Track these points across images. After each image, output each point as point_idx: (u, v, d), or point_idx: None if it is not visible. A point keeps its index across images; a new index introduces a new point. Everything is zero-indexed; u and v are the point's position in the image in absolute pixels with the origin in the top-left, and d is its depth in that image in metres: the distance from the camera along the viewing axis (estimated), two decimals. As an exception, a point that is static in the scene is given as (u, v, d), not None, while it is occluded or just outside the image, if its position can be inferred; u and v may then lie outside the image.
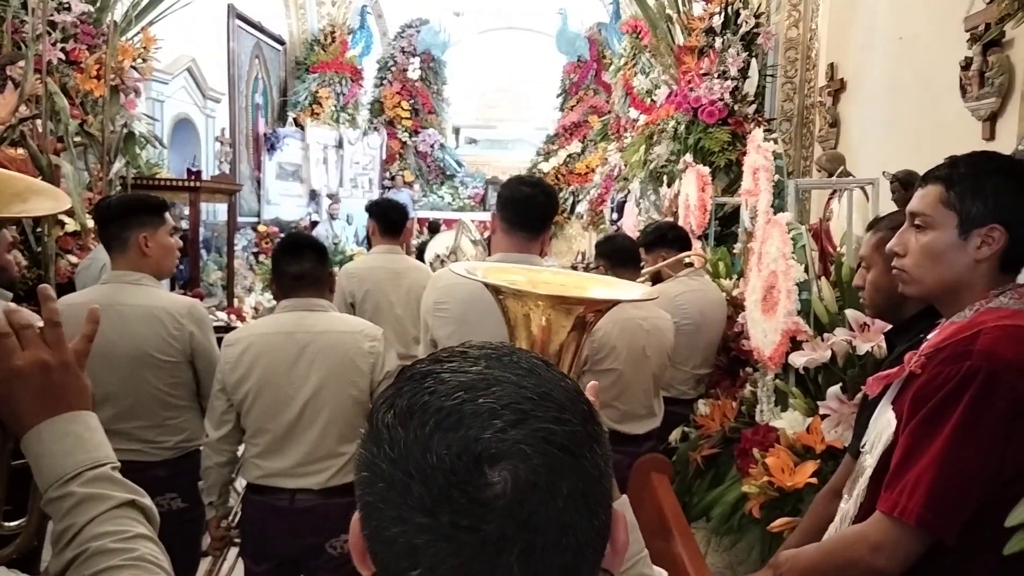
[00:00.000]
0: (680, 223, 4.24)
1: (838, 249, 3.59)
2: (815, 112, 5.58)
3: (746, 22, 5.37)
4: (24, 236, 3.82)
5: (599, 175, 9.25)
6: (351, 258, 8.00)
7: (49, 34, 4.24)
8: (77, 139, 4.35)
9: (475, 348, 0.58)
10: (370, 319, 2.78)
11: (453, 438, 0.51)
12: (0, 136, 3.81)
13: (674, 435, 2.99)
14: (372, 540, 0.54)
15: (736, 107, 5.32)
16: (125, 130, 4.73)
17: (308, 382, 2.15)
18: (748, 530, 2.32)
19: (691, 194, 4.49)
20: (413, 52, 12.58)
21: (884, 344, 1.89)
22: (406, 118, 12.40)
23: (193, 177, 5.51)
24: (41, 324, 0.88)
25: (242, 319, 5.34)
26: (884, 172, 3.44)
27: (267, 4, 9.81)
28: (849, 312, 2.32)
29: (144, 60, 5.01)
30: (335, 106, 10.81)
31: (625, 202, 6.77)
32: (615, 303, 1.00)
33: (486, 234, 6.36)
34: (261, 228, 8.94)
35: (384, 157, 12.08)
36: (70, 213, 3.96)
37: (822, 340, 2.41)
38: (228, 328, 4.03)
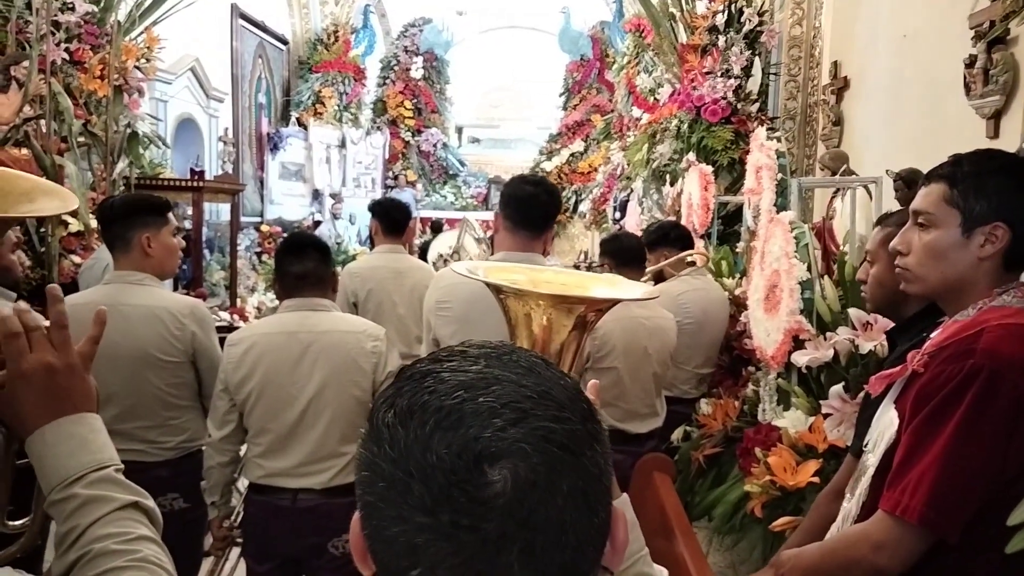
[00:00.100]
0: (683, 222, 4.23)
1: (841, 248, 3.58)
2: (818, 110, 5.57)
3: (749, 20, 5.36)
4: (28, 236, 3.83)
5: (602, 174, 9.24)
6: (354, 258, 8.01)
7: (53, 34, 4.24)
8: (81, 139, 4.36)
9: (475, 347, 0.58)
10: (373, 319, 2.78)
11: (453, 437, 0.51)
12: (4, 136, 3.82)
13: (676, 434, 2.99)
14: (372, 539, 0.54)
15: (739, 105, 5.31)
16: (129, 130, 4.73)
17: (311, 382, 2.16)
18: (750, 529, 2.31)
19: (694, 193, 4.48)
20: (416, 51, 12.59)
21: (886, 343, 1.89)
22: (409, 117, 12.41)
23: (196, 177, 5.53)
24: (47, 325, 0.88)
25: (245, 319, 5.35)
26: (888, 170, 3.43)
27: (270, 4, 9.82)
28: (852, 311, 2.32)
29: (148, 60, 5.02)
30: (338, 105, 10.83)
31: (628, 201, 6.76)
32: (616, 302, 1.00)
33: (490, 233, 6.36)
34: (264, 228, 8.95)
35: (387, 156, 12.09)
36: (74, 213, 3.97)
37: (824, 339, 2.41)
38: (231, 328, 4.04)
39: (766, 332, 2.63)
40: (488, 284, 0.95)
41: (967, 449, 1.18)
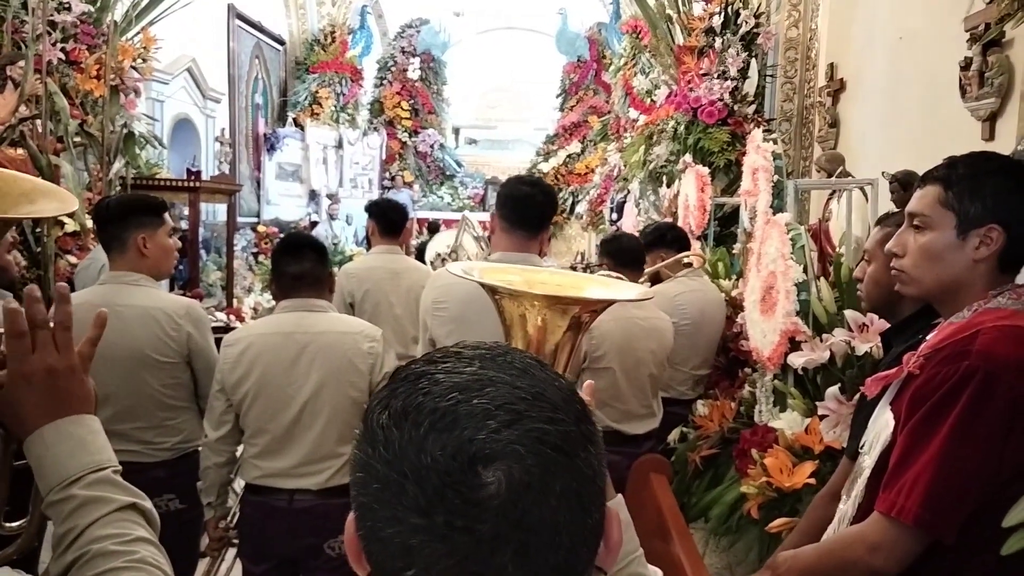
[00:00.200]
0: (679, 223, 4.24)
1: (837, 249, 3.59)
2: (815, 112, 5.58)
3: (746, 22, 5.37)
4: (23, 236, 3.82)
5: (599, 175, 9.25)
6: (351, 258, 8.00)
7: (49, 34, 4.24)
8: (77, 139, 4.35)
9: (469, 348, 0.58)
10: (369, 319, 2.78)
11: (447, 438, 0.51)
12: (0, 136, 3.81)
13: (673, 435, 2.99)
14: (367, 540, 0.54)
15: (736, 107, 5.32)
16: (125, 130, 4.73)
17: (307, 382, 2.15)
18: (746, 530, 2.32)
19: (690, 194, 4.49)
20: (413, 52, 12.59)
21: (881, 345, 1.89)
22: (406, 118, 12.40)
23: (193, 177, 5.52)
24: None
25: (241, 319, 5.34)
26: (884, 172, 3.44)
27: (267, 4, 9.81)
28: (848, 312, 2.32)
29: (144, 60, 5.02)
30: (335, 106, 10.81)
31: (625, 202, 6.77)
32: (610, 303, 1.00)
33: (488, 232, 6.36)
34: (261, 228, 8.94)
35: (384, 157, 12.08)
36: (70, 214, 3.97)
37: (821, 341, 2.41)
38: (227, 328, 4.03)
39: (762, 333, 2.64)
40: (483, 285, 0.96)
41: (963, 451, 1.18)
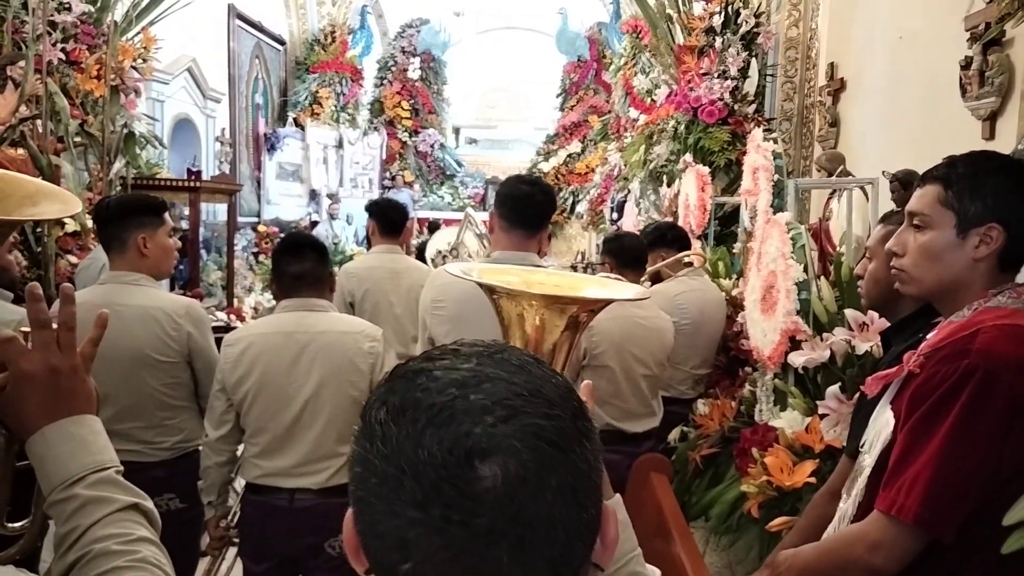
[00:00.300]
0: (680, 223, 4.24)
1: (837, 249, 3.59)
2: (815, 112, 5.58)
3: (746, 21, 5.37)
4: (24, 236, 3.82)
5: (599, 175, 9.25)
6: (351, 258, 8.00)
7: (49, 34, 4.24)
8: (77, 139, 4.35)
9: (467, 346, 0.59)
10: (369, 319, 2.78)
11: (444, 433, 0.52)
12: (0, 136, 3.81)
13: (673, 434, 2.99)
14: (365, 535, 0.55)
15: (736, 107, 5.32)
16: (125, 130, 4.73)
17: (308, 382, 2.16)
18: (747, 529, 2.32)
19: (691, 194, 4.49)
20: (413, 52, 12.58)
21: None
22: (406, 118, 12.40)
23: (193, 177, 5.52)
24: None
25: (242, 319, 5.34)
26: (884, 172, 3.44)
27: (267, 4, 9.81)
28: (848, 312, 2.32)
29: (144, 60, 5.02)
30: (335, 106, 10.81)
31: (625, 202, 6.76)
32: (608, 302, 1.01)
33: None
34: (261, 228, 8.94)
35: (384, 157, 12.08)
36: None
37: (821, 340, 2.41)
38: (228, 328, 4.03)
39: (763, 333, 2.64)
40: (481, 285, 0.96)
41: (962, 449, 1.18)
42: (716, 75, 5.35)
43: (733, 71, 5.34)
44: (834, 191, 4.35)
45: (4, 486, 0.93)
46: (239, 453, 2.28)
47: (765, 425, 2.51)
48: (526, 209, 2.12)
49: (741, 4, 5.43)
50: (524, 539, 0.51)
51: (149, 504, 0.89)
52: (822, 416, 2.26)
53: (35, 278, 3.76)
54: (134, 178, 4.81)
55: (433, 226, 9.77)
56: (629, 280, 2.69)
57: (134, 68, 4.88)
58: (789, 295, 2.45)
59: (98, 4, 4.67)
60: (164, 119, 6.76)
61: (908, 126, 4.12)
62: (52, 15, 4.32)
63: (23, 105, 3.92)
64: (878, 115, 4.57)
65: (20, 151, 3.85)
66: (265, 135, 9.86)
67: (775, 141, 3.86)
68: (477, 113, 13.63)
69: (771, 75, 5.69)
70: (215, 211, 6.69)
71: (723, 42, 5.39)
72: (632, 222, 5.96)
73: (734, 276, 3.67)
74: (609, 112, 9.91)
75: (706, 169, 4.56)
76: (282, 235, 4.65)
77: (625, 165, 7.09)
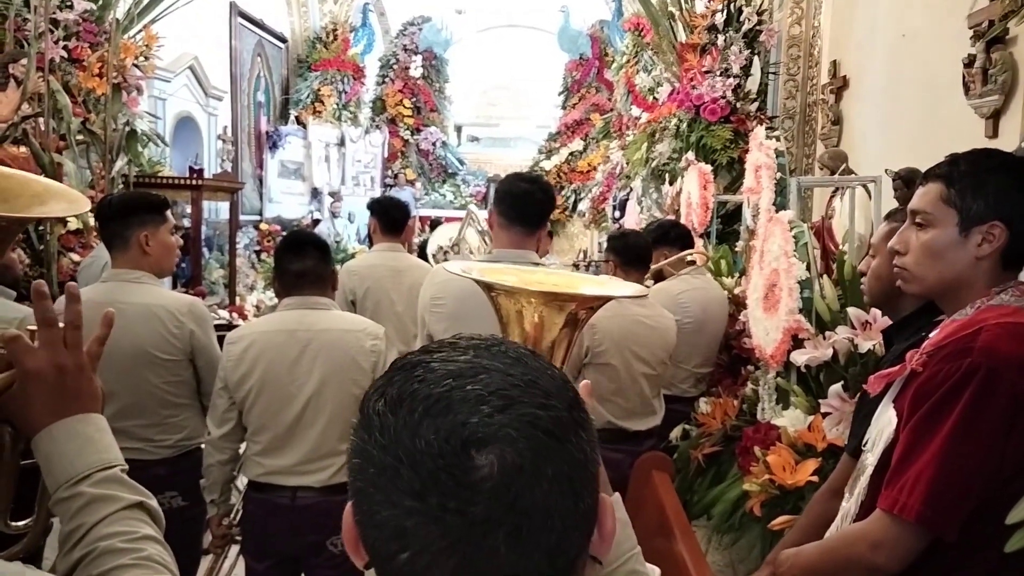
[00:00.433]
0: (682, 221, 4.24)
1: (840, 247, 3.58)
2: (817, 110, 5.58)
3: (748, 19, 5.37)
4: (26, 235, 3.83)
5: (601, 173, 9.25)
6: (353, 256, 8.00)
7: (51, 32, 4.24)
8: (79, 137, 4.36)
9: (464, 339, 0.59)
10: (371, 317, 2.79)
11: (441, 423, 0.52)
12: (3, 134, 3.82)
13: (675, 433, 2.99)
14: (363, 526, 0.55)
15: (738, 105, 5.32)
16: (127, 128, 4.73)
17: (310, 380, 2.16)
18: (749, 528, 2.32)
19: (693, 192, 4.49)
20: (415, 50, 12.57)
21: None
22: (408, 116, 12.39)
23: (195, 175, 5.52)
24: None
25: (244, 317, 5.35)
26: (887, 170, 3.44)
27: (269, 2, 9.81)
28: (851, 310, 2.32)
29: (146, 58, 5.02)
30: (337, 104, 10.81)
31: (627, 200, 6.76)
32: (607, 299, 1.01)
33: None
34: (263, 226, 8.94)
35: (386, 155, 12.08)
36: (72, 211, 3.96)
37: (824, 338, 2.41)
38: (230, 326, 4.04)
39: (765, 331, 2.64)
40: (479, 282, 0.96)
41: (965, 447, 1.18)
42: (718, 73, 5.34)
43: (735, 69, 5.33)
44: (836, 189, 4.34)
45: (10, 484, 0.93)
46: (241, 451, 2.28)
47: (767, 424, 2.51)
48: (525, 207, 2.12)
49: (743, 2, 5.42)
50: (520, 528, 0.51)
51: (154, 503, 0.90)
52: (824, 415, 2.25)
53: (37, 276, 3.77)
54: (136, 176, 4.81)
55: (435, 224, 9.78)
56: (632, 280, 2.68)
57: (136, 66, 4.88)
58: (792, 293, 2.44)
59: (100, 2, 4.67)
60: (166, 117, 6.77)
61: (911, 124, 4.12)
62: (54, 13, 4.32)
63: (25, 103, 3.92)
64: (881, 113, 4.57)
65: (22, 149, 3.85)
66: (267, 133, 9.87)
67: (777, 139, 3.86)
68: (479, 111, 13.62)
69: (773, 73, 5.69)
70: (217, 209, 6.70)
71: (725, 40, 5.39)
72: (634, 220, 5.95)
73: (736, 274, 3.67)
74: (611, 110, 9.91)
75: (708, 167, 4.55)
76: (284, 233, 4.66)
77: (627, 163, 7.08)
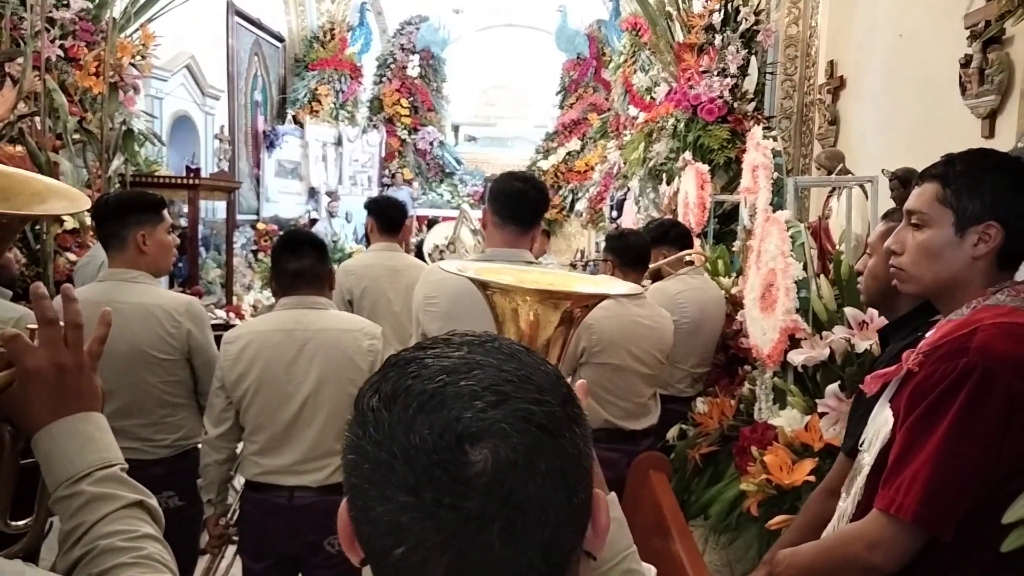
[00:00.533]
0: (679, 221, 4.24)
1: (837, 247, 3.59)
2: (814, 110, 5.58)
3: (746, 19, 5.37)
4: (23, 234, 3.82)
5: (598, 173, 9.24)
6: (350, 256, 7.99)
7: (48, 31, 4.23)
8: (76, 136, 4.35)
9: (458, 336, 0.60)
10: (368, 316, 2.78)
11: (435, 419, 0.52)
12: (-1, 133, 3.81)
13: (672, 433, 2.99)
14: (358, 522, 0.55)
15: (735, 104, 5.32)
16: (124, 127, 4.73)
17: (307, 379, 2.16)
18: (746, 528, 2.32)
19: (690, 192, 4.49)
20: (412, 49, 12.56)
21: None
22: (405, 115, 12.38)
23: (192, 175, 5.51)
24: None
25: (241, 317, 5.34)
26: (883, 170, 3.44)
27: (266, 1, 9.79)
28: (848, 310, 2.33)
29: (143, 57, 5.01)
30: (334, 103, 10.79)
31: (624, 200, 6.77)
32: (602, 297, 1.01)
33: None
34: (260, 226, 8.93)
35: (383, 155, 12.06)
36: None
37: (820, 338, 2.41)
38: (227, 326, 4.03)
39: (762, 331, 2.64)
40: (474, 280, 0.96)
41: (961, 447, 1.18)
42: (716, 73, 5.35)
43: (733, 69, 5.33)
44: (833, 189, 4.35)
45: (9, 483, 0.93)
46: (238, 451, 2.28)
47: (764, 423, 2.52)
48: (519, 205, 2.12)
49: (741, 2, 5.42)
50: (515, 523, 0.51)
51: (153, 502, 0.90)
52: (821, 414, 2.26)
53: (34, 276, 3.76)
54: (133, 175, 4.81)
55: (432, 224, 9.77)
56: (631, 281, 2.68)
57: (133, 65, 4.87)
58: (788, 293, 2.45)
59: (96, 1, 4.66)
60: (163, 116, 6.75)
61: (908, 124, 4.12)
62: (50, 11, 4.31)
63: (21, 102, 3.91)
64: (878, 113, 4.57)
65: (18, 148, 3.84)
66: (264, 132, 9.85)
67: (774, 139, 3.86)
68: (476, 111, 13.61)
69: (771, 73, 5.69)
70: (214, 208, 6.68)
71: (723, 40, 5.39)
72: (631, 220, 5.96)
73: (733, 274, 3.68)
74: (608, 110, 9.90)
75: (705, 167, 4.56)
76: (281, 233, 4.65)
77: (625, 163, 7.08)
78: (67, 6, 4.45)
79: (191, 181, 5.42)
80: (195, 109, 7.55)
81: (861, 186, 3.61)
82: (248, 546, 2.25)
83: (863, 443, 1.43)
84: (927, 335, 1.36)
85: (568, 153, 11.81)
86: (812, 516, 1.66)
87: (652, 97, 6.65)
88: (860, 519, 1.31)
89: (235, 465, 2.30)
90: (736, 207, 4.13)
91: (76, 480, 0.85)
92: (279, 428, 2.16)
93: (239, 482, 2.33)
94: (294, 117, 10.43)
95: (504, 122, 13.43)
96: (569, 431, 0.55)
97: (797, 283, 2.46)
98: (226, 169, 7.46)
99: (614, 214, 7.48)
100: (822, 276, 2.68)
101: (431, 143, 12.53)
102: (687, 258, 3.40)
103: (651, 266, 3.33)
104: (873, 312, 2.17)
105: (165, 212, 2.39)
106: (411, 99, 12.46)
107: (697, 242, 4.02)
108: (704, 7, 5.56)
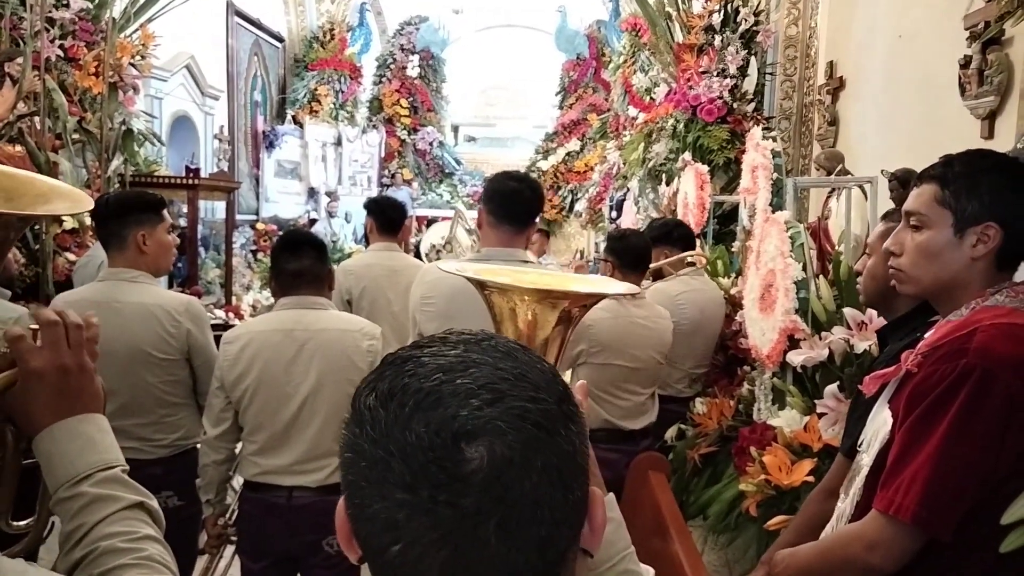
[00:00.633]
0: (683, 221, 4.23)
1: (836, 247, 3.59)
2: (814, 110, 5.58)
3: (745, 20, 5.37)
4: (22, 234, 3.81)
5: (598, 173, 9.24)
6: (349, 256, 7.98)
7: (47, 31, 4.23)
8: (75, 136, 4.34)
9: (454, 334, 0.60)
10: (367, 316, 2.78)
11: (432, 416, 0.53)
12: (-2, 133, 3.81)
13: (671, 433, 3.00)
14: (356, 520, 0.56)
15: (735, 105, 5.32)
16: (123, 127, 4.72)
17: (306, 380, 2.16)
18: (745, 528, 2.32)
19: (690, 192, 4.49)
20: (412, 50, 12.56)
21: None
22: (405, 116, 12.38)
23: (191, 175, 5.51)
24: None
25: (240, 317, 5.33)
26: (883, 170, 3.44)
27: (266, 1, 9.79)
28: (847, 310, 2.33)
29: (143, 57, 5.01)
30: (334, 104, 10.79)
31: (624, 200, 6.76)
32: (600, 297, 1.01)
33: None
34: (260, 226, 8.92)
35: (383, 155, 12.06)
36: (68, 210, 3.95)
37: (820, 338, 2.41)
38: (226, 326, 4.03)
39: (761, 331, 2.64)
40: (472, 280, 0.96)
41: (960, 448, 1.18)
42: (715, 73, 5.35)
43: (732, 69, 5.34)
44: (833, 190, 4.35)
45: (11, 483, 0.93)
46: (237, 451, 2.28)
47: (763, 424, 2.52)
48: (514, 205, 2.13)
49: (740, 2, 5.43)
50: (511, 519, 0.52)
51: (154, 503, 0.90)
52: (820, 415, 2.26)
53: (33, 275, 3.76)
54: (132, 175, 4.80)
55: (431, 224, 9.77)
56: (631, 283, 2.68)
57: (132, 65, 4.86)
58: (788, 294, 2.45)
59: (96, 1, 4.66)
60: (162, 116, 6.75)
61: (907, 125, 4.12)
62: (50, 11, 4.31)
63: (21, 102, 3.91)
64: (877, 114, 4.57)
65: (18, 148, 3.84)
66: (264, 132, 9.85)
67: (774, 140, 3.87)
68: (476, 111, 13.61)
69: (770, 73, 5.69)
70: (213, 208, 6.67)
71: (722, 40, 5.39)
72: (631, 220, 5.95)
73: (733, 275, 3.68)
74: (608, 110, 9.90)
75: (705, 167, 4.56)
76: (281, 233, 4.65)
77: (624, 163, 7.08)
78: (67, 6, 4.45)
79: (190, 181, 5.41)
80: (195, 109, 7.55)
81: (860, 187, 3.61)
82: (247, 546, 2.25)
83: (862, 444, 1.43)
84: (926, 336, 1.36)
85: (568, 153, 11.80)
86: (811, 516, 1.66)
87: (652, 98, 6.65)
88: (859, 520, 1.32)
89: (234, 465, 2.30)
90: (735, 208, 4.13)
91: (77, 481, 0.85)
92: (278, 428, 2.16)
93: (238, 482, 2.33)
94: (294, 117, 10.43)
95: (504, 122, 13.42)
96: (565, 428, 0.55)
97: (796, 284, 2.46)
98: (225, 169, 7.45)
99: (613, 215, 7.48)
100: (821, 277, 2.68)
101: (431, 143, 12.52)
102: (689, 259, 3.40)
103: (652, 265, 3.34)
104: (872, 313, 2.17)
105: (165, 212, 2.39)
106: (411, 99, 12.46)
107: (696, 243, 4.02)
108: (704, 8, 5.56)
